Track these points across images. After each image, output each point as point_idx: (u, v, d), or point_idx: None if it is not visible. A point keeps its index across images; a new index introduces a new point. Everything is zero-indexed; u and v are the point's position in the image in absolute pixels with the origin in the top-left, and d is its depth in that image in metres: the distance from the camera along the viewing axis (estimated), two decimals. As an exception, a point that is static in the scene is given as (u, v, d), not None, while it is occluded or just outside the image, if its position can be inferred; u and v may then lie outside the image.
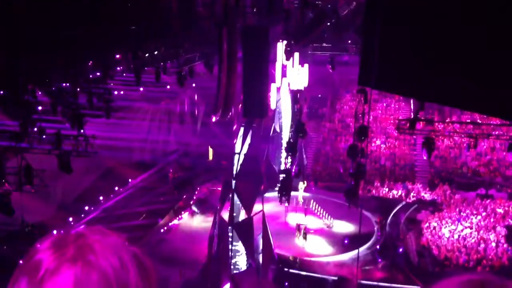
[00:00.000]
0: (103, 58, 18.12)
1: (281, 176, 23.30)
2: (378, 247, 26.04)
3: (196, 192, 33.12)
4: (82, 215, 27.05)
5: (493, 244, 25.26)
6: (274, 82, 24.92)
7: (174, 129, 38.93)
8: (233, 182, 22.92)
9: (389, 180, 34.80)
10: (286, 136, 29.06)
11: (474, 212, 29.09)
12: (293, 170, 23.66)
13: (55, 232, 1.21)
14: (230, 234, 22.59)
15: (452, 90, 2.76)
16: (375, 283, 22.45)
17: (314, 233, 27.31)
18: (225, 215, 22.88)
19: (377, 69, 3.06)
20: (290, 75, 25.80)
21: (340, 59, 30.06)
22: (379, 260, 25.02)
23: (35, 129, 16.37)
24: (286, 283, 22.50)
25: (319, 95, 43.10)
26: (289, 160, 22.79)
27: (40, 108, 18.52)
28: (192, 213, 30.70)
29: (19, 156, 16.38)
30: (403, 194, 33.06)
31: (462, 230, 26.82)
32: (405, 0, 2.91)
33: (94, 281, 1.10)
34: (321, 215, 29.13)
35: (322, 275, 23.31)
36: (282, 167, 23.94)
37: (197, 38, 20.70)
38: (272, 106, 26.05)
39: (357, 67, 3.50)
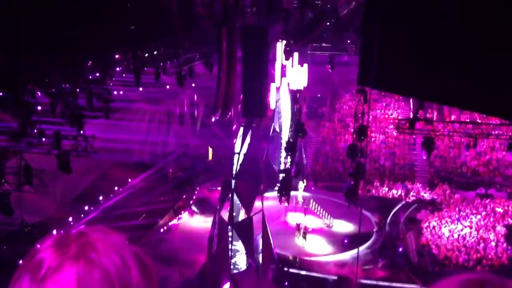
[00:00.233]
0: (102, 58, 18.11)
1: (281, 175, 23.32)
2: (378, 246, 26.05)
3: (196, 192, 33.12)
4: (82, 215, 27.04)
5: (493, 244, 25.27)
6: (274, 81, 24.92)
7: (173, 130, 38.91)
8: (233, 182, 22.94)
9: (389, 179, 34.81)
10: (285, 135, 29.07)
11: (474, 211, 29.10)
12: (293, 170, 23.65)
13: (55, 232, 1.22)
14: (229, 233, 22.60)
15: (452, 89, 2.76)
16: (374, 282, 22.46)
17: (314, 232, 27.31)
18: (225, 215, 22.89)
19: (377, 68, 3.07)
20: (289, 75, 25.81)
21: (339, 59, 30.08)
22: (379, 259, 25.03)
23: (35, 130, 16.36)
24: (286, 283, 22.51)
25: (319, 95, 43.10)
26: (289, 159, 22.80)
27: (39, 108, 18.52)
28: (192, 213, 30.69)
29: (18, 156, 16.38)
30: (402, 194, 33.07)
31: (461, 230, 26.83)
32: (405, 0, 2.91)
33: (96, 279, 1.11)
34: (320, 215, 29.14)
35: (322, 274, 23.32)
36: (282, 166, 23.95)
37: (197, 38, 20.69)
38: (272, 105, 26.07)
39: (357, 67, 3.50)
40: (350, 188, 19.27)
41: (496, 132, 28.62)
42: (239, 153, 23.55)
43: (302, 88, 27.46)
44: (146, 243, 25.25)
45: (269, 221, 24.30)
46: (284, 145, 25.76)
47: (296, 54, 24.67)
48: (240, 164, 23.22)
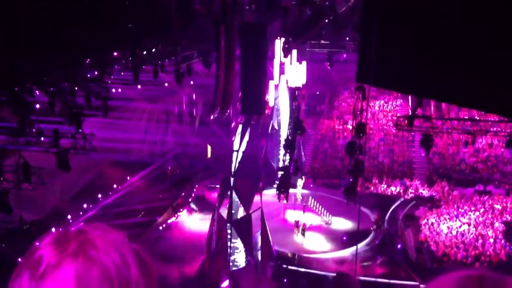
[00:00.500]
0: (101, 56, 18.07)
1: (280, 173, 23.33)
2: (376, 243, 26.10)
3: (195, 190, 33.12)
4: (81, 213, 27.03)
5: (491, 240, 25.34)
6: (272, 79, 24.90)
7: (172, 128, 38.86)
8: (232, 179, 22.94)
9: (387, 176, 34.86)
10: (284, 133, 29.07)
11: (472, 208, 29.17)
12: (291, 167, 23.67)
13: (53, 230, 1.22)
14: (228, 231, 22.62)
15: (451, 87, 2.76)
16: (373, 279, 22.51)
17: (313, 229, 27.34)
18: (224, 213, 22.91)
19: (375, 66, 3.07)
20: (288, 72, 25.78)
21: (338, 57, 30.06)
22: (378, 256, 25.08)
23: (33, 130, 16.33)
24: (285, 280, 22.55)
25: (317, 92, 43.09)
26: (287, 157, 22.81)
27: (38, 106, 18.48)
28: (191, 211, 30.70)
29: (17, 154, 16.36)
30: (401, 191, 33.12)
31: (460, 226, 26.89)
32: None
33: (95, 276, 1.11)
34: (319, 212, 29.18)
35: (321, 271, 23.36)
36: (281, 164, 23.96)
37: (195, 36, 20.65)
38: (270, 103, 26.05)
39: (355, 64, 3.50)
40: (348, 185, 19.29)
41: (495, 129, 28.65)
42: (237, 151, 23.56)
43: (300, 86, 27.44)
44: (145, 241, 25.25)
45: (268, 218, 24.34)
46: (282, 142, 25.77)
47: (294, 52, 24.64)
48: (239, 162, 23.22)
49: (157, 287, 1.22)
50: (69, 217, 25.48)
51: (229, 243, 22.69)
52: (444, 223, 27.48)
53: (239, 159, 23.35)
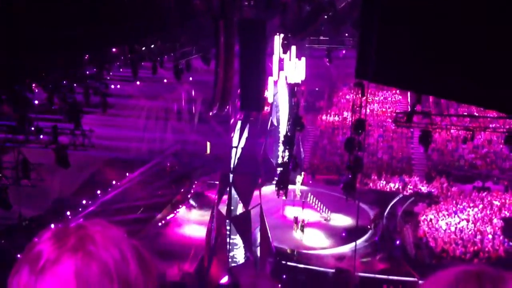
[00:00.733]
0: (99, 53, 18.03)
1: (279, 169, 23.33)
2: (375, 239, 26.16)
3: (194, 186, 33.14)
4: (80, 209, 27.04)
5: (490, 236, 25.40)
6: (271, 75, 24.87)
7: (171, 125, 38.82)
8: (231, 175, 22.95)
9: (386, 173, 34.89)
10: (283, 129, 29.06)
11: (471, 204, 29.22)
12: (290, 163, 23.66)
13: (53, 226, 1.22)
14: (227, 227, 22.65)
15: (450, 84, 2.76)
16: (372, 275, 22.56)
17: (312, 226, 27.39)
18: (223, 209, 22.93)
19: (375, 62, 3.07)
20: (287, 69, 25.76)
21: (337, 54, 30.02)
22: (377, 252, 25.14)
23: (32, 128, 16.32)
24: (284, 276, 22.60)
25: (316, 89, 43.07)
26: (287, 153, 22.81)
27: (36, 102, 18.45)
28: (190, 207, 30.73)
29: (16, 150, 16.34)
30: (400, 187, 33.16)
31: (459, 223, 26.95)
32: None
33: (95, 271, 1.11)
34: (318, 208, 29.21)
35: (320, 267, 23.41)
36: (280, 160, 23.97)
37: (194, 32, 20.61)
38: (269, 99, 26.03)
39: (354, 60, 3.50)
40: (347, 182, 19.30)
41: (494, 125, 28.66)
42: (236, 147, 23.56)
43: (299, 82, 27.43)
44: (144, 237, 25.28)
45: (267, 214, 24.36)
46: (281, 138, 25.77)
47: (293, 48, 24.61)
48: (238, 158, 23.23)
49: (156, 283, 1.22)
50: (68, 213, 25.49)
51: (228, 239, 22.73)
52: (443, 219, 27.54)
53: (238, 155, 23.35)
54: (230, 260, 22.86)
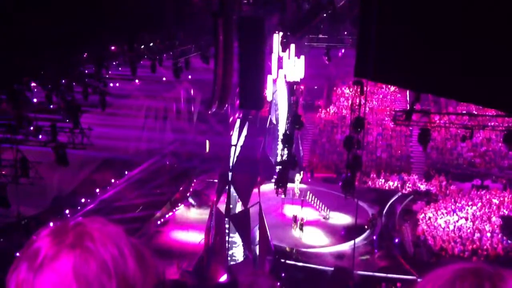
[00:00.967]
0: (98, 50, 18.00)
1: (278, 167, 23.33)
2: (374, 237, 26.19)
3: (193, 184, 33.14)
4: (79, 208, 27.04)
5: (488, 235, 25.44)
6: (270, 73, 24.86)
7: (170, 124, 38.78)
8: (230, 174, 22.95)
9: (385, 171, 34.94)
10: (282, 128, 29.06)
11: (470, 202, 29.27)
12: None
13: (51, 224, 1.22)
14: (226, 225, 22.65)
15: (450, 82, 2.76)
16: (371, 273, 22.60)
17: (311, 224, 27.41)
18: (222, 207, 22.93)
19: (374, 60, 3.06)
20: (286, 67, 25.75)
21: (336, 52, 30.00)
22: (375, 250, 25.18)
23: (31, 128, 16.30)
24: (283, 274, 22.61)
25: (315, 87, 43.07)
26: (286, 152, 22.81)
27: (35, 100, 18.43)
28: (189, 205, 30.73)
29: (14, 148, 16.32)
30: (399, 185, 33.20)
31: (457, 221, 26.99)
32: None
33: (93, 268, 1.11)
34: (317, 207, 29.23)
35: (319, 265, 23.44)
36: (279, 158, 23.97)
37: (193, 30, 20.58)
38: (269, 98, 26.02)
39: (353, 58, 3.49)
40: (346, 180, 19.31)
41: (492, 123, 28.72)
42: (236, 146, 23.56)
43: (299, 80, 27.42)
44: (143, 235, 25.30)
45: (266, 213, 24.37)
46: (280, 137, 25.77)
47: (292, 46, 24.60)
48: (237, 156, 23.23)
49: (155, 280, 1.22)
50: (67, 211, 25.48)
51: (227, 237, 22.73)
52: (442, 217, 27.58)
53: (237, 153, 23.35)
54: (229, 258, 22.87)
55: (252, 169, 23.53)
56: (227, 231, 22.65)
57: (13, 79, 13.82)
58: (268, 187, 26.91)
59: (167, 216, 29.08)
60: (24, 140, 16.55)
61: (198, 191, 32.15)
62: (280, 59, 24.94)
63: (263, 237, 22.96)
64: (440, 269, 1.18)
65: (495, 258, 23.56)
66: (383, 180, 33.94)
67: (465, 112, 33.22)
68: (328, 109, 42.17)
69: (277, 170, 23.71)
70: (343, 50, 31.09)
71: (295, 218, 27.00)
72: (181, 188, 32.18)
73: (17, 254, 1.20)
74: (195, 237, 25.13)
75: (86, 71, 19.65)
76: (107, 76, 22.73)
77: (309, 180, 33.78)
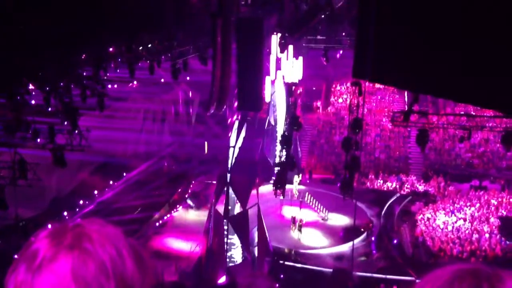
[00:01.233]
0: (96, 51, 17.98)
1: (276, 169, 23.33)
2: (373, 239, 26.20)
3: (191, 186, 33.12)
4: (77, 209, 27.00)
5: (487, 235, 25.47)
6: (269, 75, 24.87)
7: (168, 126, 38.75)
8: (228, 175, 22.94)
9: (384, 172, 34.95)
10: (280, 129, 29.07)
11: (468, 203, 29.30)
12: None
13: (50, 226, 1.22)
14: (225, 227, 22.63)
15: (449, 83, 2.76)
16: (369, 274, 22.60)
17: (309, 225, 27.40)
18: (220, 208, 22.91)
19: (372, 61, 3.06)
20: (284, 68, 25.76)
21: (334, 53, 30.02)
22: (374, 251, 25.18)
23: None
24: (282, 276, 22.61)
25: (314, 88, 43.10)
26: (284, 153, 22.82)
27: (33, 102, 18.41)
28: (187, 207, 30.71)
29: (12, 150, 16.29)
30: (397, 186, 33.22)
31: (456, 222, 27.01)
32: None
33: (91, 269, 1.11)
34: (316, 208, 29.22)
35: (318, 267, 23.44)
36: (277, 160, 23.97)
37: (192, 30, 20.59)
38: (267, 99, 26.01)
39: (352, 59, 3.49)
40: (345, 181, 19.32)
41: (490, 124, 28.74)
42: (234, 147, 23.56)
43: (297, 81, 27.43)
44: (142, 237, 25.28)
45: (265, 214, 24.36)
46: (279, 138, 25.77)
47: (291, 47, 24.61)
48: (235, 158, 23.22)
49: (153, 281, 1.22)
50: (65, 213, 25.44)
51: (225, 239, 22.72)
52: (440, 218, 27.60)
53: (235, 155, 23.35)
54: (227, 260, 22.85)
55: (251, 170, 23.53)
56: (225, 232, 22.64)
57: (13, 79, 13.79)
58: (266, 189, 26.91)
59: (165, 217, 29.06)
60: (22, 142, 16.52)
61: (196, 193, 32.14)
62: (278, 60, 24.96)
63: (262, 239, 22.95)
64: (438, 270, 1.18)
65: (494, 259, 23.58)
66: (381, 181, 33.96)
67: (463, 113, 33.26)
68: (326, 110, 42.18)
69: (275, 172, 23.71)
70: (341, 51, 31.13)
71: (293, 219, 26.99)
72: (179, 190, 32.16)
73: (15, 256, 1.20)
74: (194, 239, 25.10)
75: (85, 73, 19.63)
76: (105, 77, 22.71)
77: (308, 181, 33.78)
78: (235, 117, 24.73)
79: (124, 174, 32.50)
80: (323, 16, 17.45)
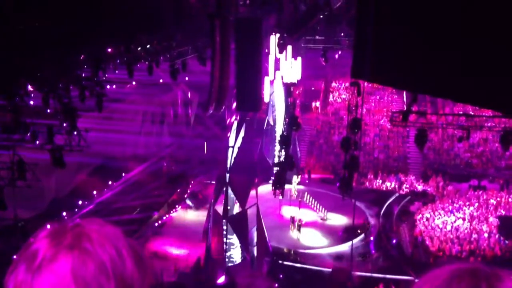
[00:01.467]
0: (95, 52, 17.97)
1: (275, 169, 23.33)
2: (371, 238, 26.20)
3: (190, 186, 33.10)
4: (76, 210, 26.97)
5: (486, 235, 25.49)
6: (267, 75, 24.87)
7: (167, 127, 38.71)
8: (227, 175, 22.94)
9: (383, 172, 34.95)
10: (279, 129, 29.07)
11: (467, 203, 29.32)
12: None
13: (48, 226, 1.22)
14: (224, 227, 22.63)
15: (447, 84, 2.76)
16: (368, 274, 22.61)
17: (308, 225, 27.40)
18: (219, 208, 22.91)
19: (370, 62, 3.07)
20: (283, 68, 25.77)
21: (333, 55, 30.06)
22: (373, 251, 25.19)
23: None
24: (281, 275, 22.61)
25: (312, 88, 43.12)
26: (283, 153, 22.83)
27: (32, 102, 18.38)
28: (186, 207, 30.69)
29: (11, 151, 16.28)
30: (396, 186, 33.23)
31: (455, 221, 27.04)
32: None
33: (91, 269, 1.11)
34: (315, 208, 29.22)
35: (317, 267, 23.44)
36: (276, 160, 23.98)
37: (190, 31, 20.58)
38: (266, 99, 26.01)
39: (350, 60, 3.50)
40: (344, 181, 19.32)
41: (489, 124, 28.77)
42: (233, 147, 23.55)
43: (296, 82, 27.45)
44: (141, 237, 25.26)
45: (264, 214, 24.36)
46: (278, 138, 25.77)
47: (289, 47, 24.63)
48: (235, 158, 23.22)
49: (153, 280, 1.22)
50: (64, 214, 25.41)
51: (225, 239, 22.71)
52: (439, 218, 27.62)
53: (234, 155, 23.34)
54: (227, 260, 22.85)
55: (250, 170, 23.53)
56: (225, 232, 22.64)
57: (12, 79, 13.79)
58: (265, 189, 26.91)
59: (164, 218, 29.04)
60: (20, 143, 16.51)
61: (195, 193, 32.12)
62: (277, 60, 24.96)
63: (261, 239, 22.96)
64: (437, 269, 1.18)
65: (493, 259, 23.61)
66: (380, 181, 33.97)
67: (461, 112, 33.28)
68: (325, 110, 42.20)
69: (274, 172, 23.71)
70: (339, 52, 31.15)
71: (292, 219, 26.99)
72: (178, 190, 32.13)
73: (14, 256, 1.20)
74: (193, 239, 25.08)
75: (83, 74, 19.62)
76: (104, 78, 22.70)
77: (307, 181, 33.78)
78: (234, 117, 24.72)
79: (123, 174, 32.47)
80: (321, 16, 17.46)
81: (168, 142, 38.10)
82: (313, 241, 26.06)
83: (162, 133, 38.32)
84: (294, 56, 26.02)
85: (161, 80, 33.15)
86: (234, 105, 21.89)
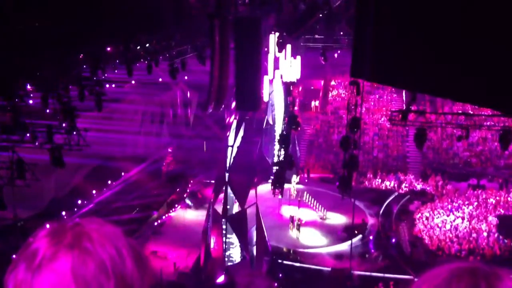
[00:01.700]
0: (94, 51, 17.97)
1: (274, 168, 23.33)
2: (371, 238, 26.22)
3: (190, 185, 33.10)
4: (75, 209, 26.97)
5: (485, 234, 25.51)
6: (267, 74, 24.87)
7: (167, 127, 38.68)
8: (227, 174, 22.93)
9: (382, 171, 34.97)
10: (279, 128, 29.07)
11: (466, 202, 29.34)
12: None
13: (48, 226, 1.22)
14: (223, 226, 22.63)
15: (446, 83, 2.77)
16: (368, 273, 22.62)
17: (308, 225, 27.41)
18: (219, 208, 22.91)
19: (370, 61, 3.07)
20: (282, 67, 25.76)
21: (332, 55, 30.05)
22: (372, 250, 25.20)
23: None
24: (280, 275, 22.62)
25: (312, 87, 43.12)
26: (282, 152, 22.83)
27: (31, 102, 18.38)
28: (186, 206, 30.69)
29: (10, 150, 16.27)
30: (395, 185, 33.25)
31: (454, 220, 27.05)
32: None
33: (91, 268, 1.12)
34: (314, 207, 29.23)
35: (316, 266, 23.45)
36: (275, 159, 23.99)
37: (189, 30, 20.57)
38: (265, 98, 26.02)
39: (350, 59, 3.50)
40: (343, 180, 19.32)
41: (488, 123, 28.80)
42: (232, 146, 23.54)
43: (295, 81, 27.44)
44: (140, 236, 25.26)
45: (263, 213, 24.36)
46: (277, 137, 25.76)
47: (289, 46, 24.62)
48: (234, 157, 23.21)
49: (152, 280, 1.22)
50: (63, 213, 25.41)
51: (224, 238, 22.71)
52: (438, 217, 27.64)
53: (234, 154, 23.34)
54: (226, 259, 22.85)
55: (249, 170, 23.52)
56: (224, 232, 22.63)
57: (12, 79, 13.78)
58: (265, 188, 26.91)
59: (164, 217, 29.04)
60: (20, 143, 16.50)
61: (195, 192, 32.12)
62: (276, 59, 24.96)
63: (260, 238, 22.96)
64: (436, 268, 1.18)
65: (492, 258, 23.64)
66: (379, 180, 33.98)
67: (461, 112, 33.29)
68: (324, 109, 42.20)
69: (274, 171, 23.72)
70: (339, 51, 31.14)
71: (292, 219, 27.00)
72: (178, 190, 32.13)
73: (14, 256, 1.20)
74: (192, 238, 25.07)
75: (83, 74, 19.61)
76: (103, 77, 22.69)
77: (306, 180, 33.79)
78: (233, 116, 24.71)
79: (123, 174, 32.45)
80: (321, 15, 17.46)
81: (167, 141, 38.08)
82: (312, 240, 26.07)
83: (161, 133, 38.31)
84: (294, 55, 26.02)
85: (160, 79, 33.13)
86: (234, 104, 21.89)
